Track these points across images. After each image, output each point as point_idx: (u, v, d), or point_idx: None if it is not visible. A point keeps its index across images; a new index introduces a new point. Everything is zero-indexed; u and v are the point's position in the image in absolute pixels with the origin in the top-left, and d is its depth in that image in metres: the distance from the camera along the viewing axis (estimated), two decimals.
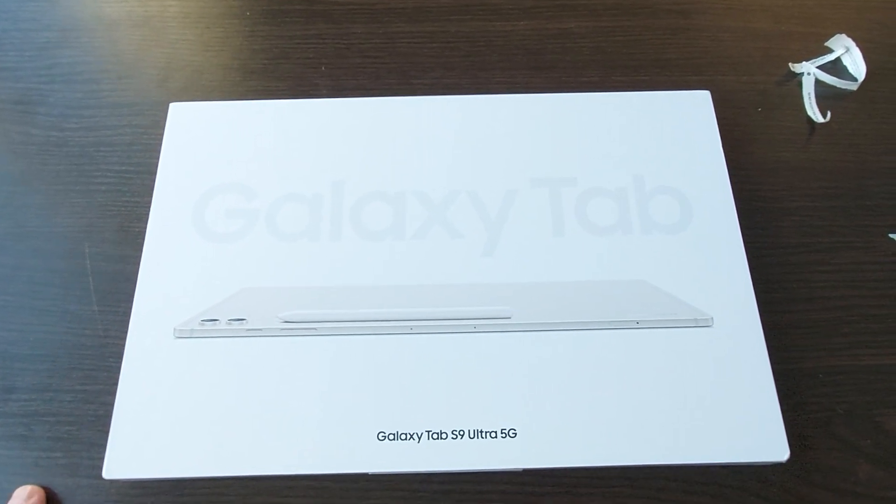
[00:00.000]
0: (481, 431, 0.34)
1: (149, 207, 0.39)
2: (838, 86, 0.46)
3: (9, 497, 0.34)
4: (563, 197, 0.39)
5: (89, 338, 0.38)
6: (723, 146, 0.41)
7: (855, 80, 0.46)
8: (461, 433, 0.33)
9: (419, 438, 0.33)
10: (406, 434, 0.33)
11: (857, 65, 0.46)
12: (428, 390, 0.34)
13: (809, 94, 0.45)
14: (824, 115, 0.45)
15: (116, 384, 0.34)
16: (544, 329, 0.36)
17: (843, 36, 0.47)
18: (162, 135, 0.41)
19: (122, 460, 0.33)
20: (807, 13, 0.49)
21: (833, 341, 0.38)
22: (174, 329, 0.36)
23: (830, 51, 0.47)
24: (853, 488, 0.35)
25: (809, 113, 0.45)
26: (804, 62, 0.46)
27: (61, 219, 0.42)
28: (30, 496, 0.34)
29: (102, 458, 0.33)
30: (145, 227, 0.38)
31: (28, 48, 0.48)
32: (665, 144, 0.41)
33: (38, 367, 0.37)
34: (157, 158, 0.40)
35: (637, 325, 0.36)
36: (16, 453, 0.35)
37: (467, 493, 0.35)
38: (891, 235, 0.41)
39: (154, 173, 0.40)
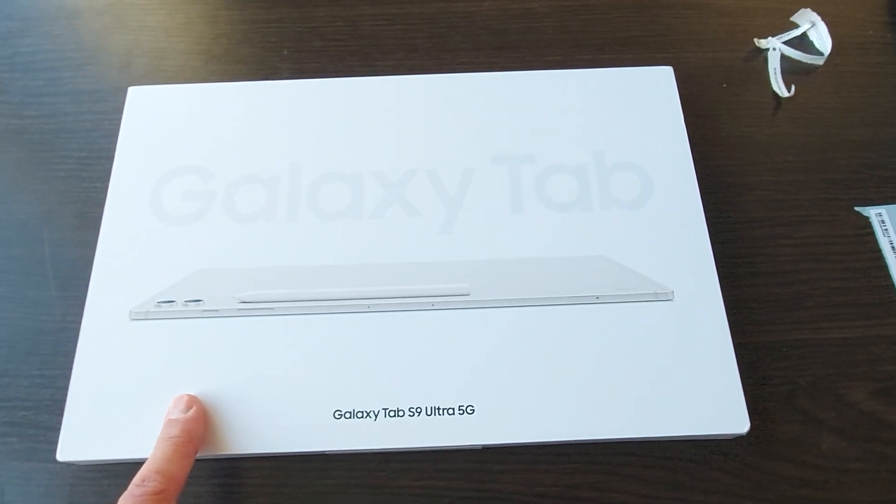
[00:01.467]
0: (438, 408, 0.33)
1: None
2: (804, 60, 0.45)
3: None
4: (523, 174, 0.39)
5: (47, 323, 0.38)
6: (688, 122, 0.41)
7: (821, 54, 0.46)
8: (418, 410, 0.33)
9: (376, 416, 0.33)
10: (362, 412, 0.33)
11: (822, 39, 0.46)
12: (385, 368, 0.34)
13: (775, 69, 0.45)
14: (789, 90, 0.44)
15: None
16: (503, 305, 0.36)
17: (809, 10, 0.46)
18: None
19: (77, 442, 0.33)
20: None
21: (797, 315, 0.38)
22: (129, 311, 0.35)
23: (796, 26, 0.47)
24: (816, 461, 0.34)
25: (775, 88, 0.45)
26: (770, 37, 0.46)
27: (21, 206, 0.41)
28: (188, 406, 0.33)
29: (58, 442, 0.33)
30: None
31: None
32: (627, 120, 0.41)
33: None
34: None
35: (597, 299, 0.36)
36: None
37: (426, 471, 0.34)
38: (856, 208, 0.41)
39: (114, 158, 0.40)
